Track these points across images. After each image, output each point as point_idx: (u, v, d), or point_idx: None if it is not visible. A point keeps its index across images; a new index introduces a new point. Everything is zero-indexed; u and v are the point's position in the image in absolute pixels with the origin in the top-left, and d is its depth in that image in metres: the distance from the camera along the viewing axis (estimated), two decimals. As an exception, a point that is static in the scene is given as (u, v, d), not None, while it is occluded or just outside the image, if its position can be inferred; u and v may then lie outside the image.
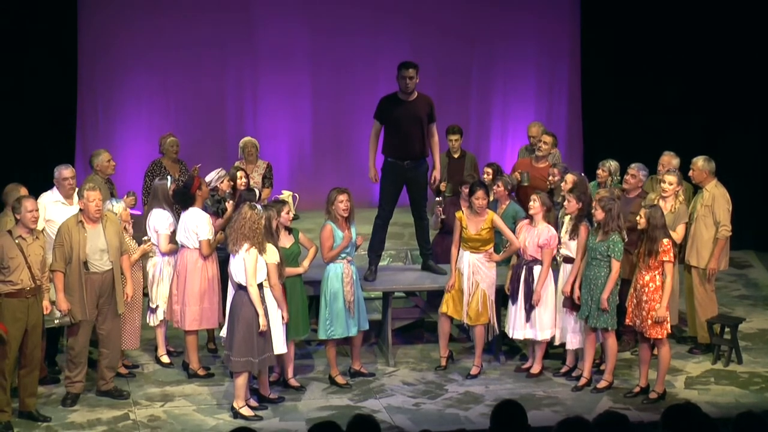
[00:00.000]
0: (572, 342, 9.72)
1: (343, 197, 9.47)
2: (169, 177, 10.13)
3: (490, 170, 10.82)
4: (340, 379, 9.66)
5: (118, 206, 9.50)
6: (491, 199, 10.06)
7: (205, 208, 9.76)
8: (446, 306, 9.85)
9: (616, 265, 9.26)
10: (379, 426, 5.61)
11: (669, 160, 10.67)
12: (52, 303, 8.96)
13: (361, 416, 5.64)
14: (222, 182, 10.14)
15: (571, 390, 9.56)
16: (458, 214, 9.85)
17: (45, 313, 8.82)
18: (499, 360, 10.22)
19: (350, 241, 9.50)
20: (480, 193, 9.71)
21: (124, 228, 9.54)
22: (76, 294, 8.96)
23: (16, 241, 8.61)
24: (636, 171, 10.29)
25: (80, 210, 9.10)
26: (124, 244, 9.26)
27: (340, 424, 5.52)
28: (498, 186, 10.33)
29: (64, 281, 8.92)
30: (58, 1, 12.58)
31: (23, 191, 9.31)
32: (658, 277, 9.11)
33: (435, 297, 10.72)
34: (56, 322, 8.93)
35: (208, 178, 10.06)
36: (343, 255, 9.50)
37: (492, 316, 9.82)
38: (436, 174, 10.47)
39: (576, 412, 7.94)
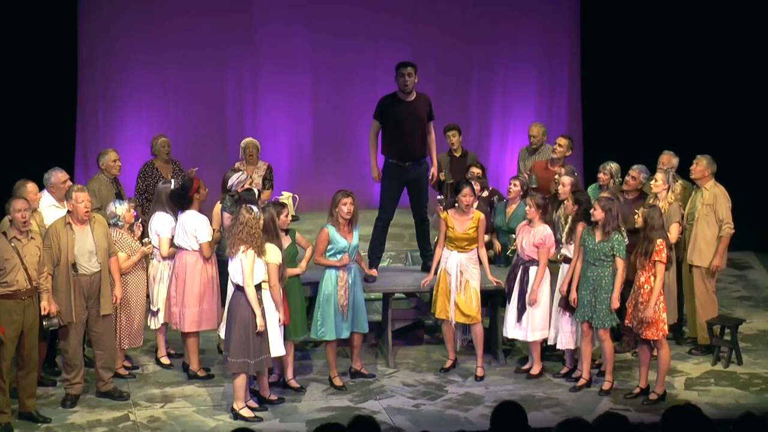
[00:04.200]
0: (562, 341, 9.71)
1: (347, 200, 9.45)
2: (172, 180, 10.12)
3: (478, 171, 10.83)
4: (337, 381, 9.65)
5: (122, 208, 9.50)
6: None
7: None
8: (433, 306, 9.86)
9: (621, 264, 9.25)
10: (379, 427, 5.61)
11: (669, 159, 10.69)
12: None
13: (361, 417, 5.64)
14: (242, 186, 10.08)
15: (569, 390, 9.56)
16: (443, 214, 9.84)
17: (42, 313, 8.81)
18: (499, 361, 10.22)
19: (347, 261, 9.48)
20: (467, 190, 9.71)
21: (130, 228, 9.56)
22: (64, 296, 8.94)
23: (12, 243, 8.60)
24: (637, 173, 10.30)
25: (68, 212, 9.08)
26: (112, 246, 9.25)
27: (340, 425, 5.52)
28: (515, 185, 10.31)
29: (51, 283, 8.91)
30: (58, 2, 12.58)
31: (30, 186, 9.28)
32: (652, 278, 9.11)
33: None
34: (44, 324, 8.92)
35: (230, 182, 9.99)
36: (338, 257, 9.49)
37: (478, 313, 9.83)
38: (434, 171, 10.48)
39: (576, 414, 7.93)
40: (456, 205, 9.80)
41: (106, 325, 9.22)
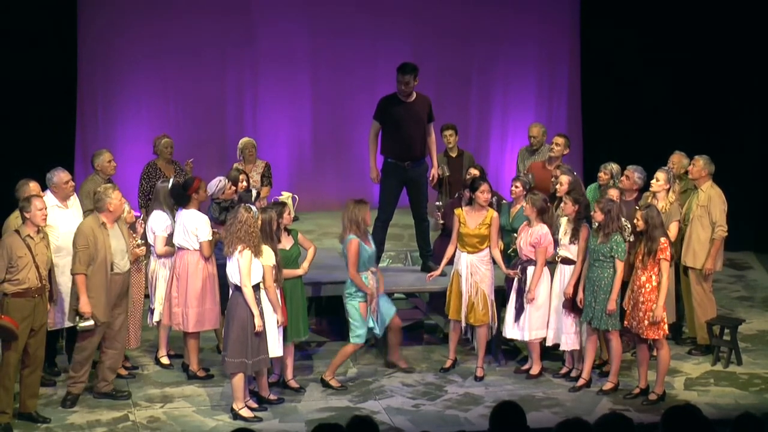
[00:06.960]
0: (566, 343, 9.70)
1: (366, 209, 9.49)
2: (171, 179, 10.11)
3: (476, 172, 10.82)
4: (334, 382, 9.65)
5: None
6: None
7: (211, 218, 9.75)
8: (447, 308, 9.87)
9: (620, 266, 9.24)
10: (377, 427, 5.60)
11: (679, 159, 10.70)
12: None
13: (360, 417, 5.63)
14: (223, 192, 10.07)
15: (568, 390, 9.56)
16: (457, 211, 9.84)
17: (80, 311, 8.83)
18: (498, 361, 10.23)
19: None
20: (485, 186, 9.73)
21: (131, 228, 9.58)
22: (101, 296, 8.90)
23: (25, 240, 8.60)
24: (631, 173, 10.27)
25: (97, 211, 9.07)
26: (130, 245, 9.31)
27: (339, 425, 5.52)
28: (516, 186, 10.30)
29: (86, 283, 8.88)
30: (58, 2, 12.59)
31: (33, 185, 9.27)
32: (654, 277, 9.11)
33: (435, 298, 10.72)
34: (81, 325, 8.86)
35: (209, 190, 9.99)
36: (367, 266, 9.47)
37: (493, 316, 9.82)
38: (434, 172, 10.49)
39: (575, 414, 7.94)
40: (472, 201, 9.80)
41: (123, 324, 9.24)
